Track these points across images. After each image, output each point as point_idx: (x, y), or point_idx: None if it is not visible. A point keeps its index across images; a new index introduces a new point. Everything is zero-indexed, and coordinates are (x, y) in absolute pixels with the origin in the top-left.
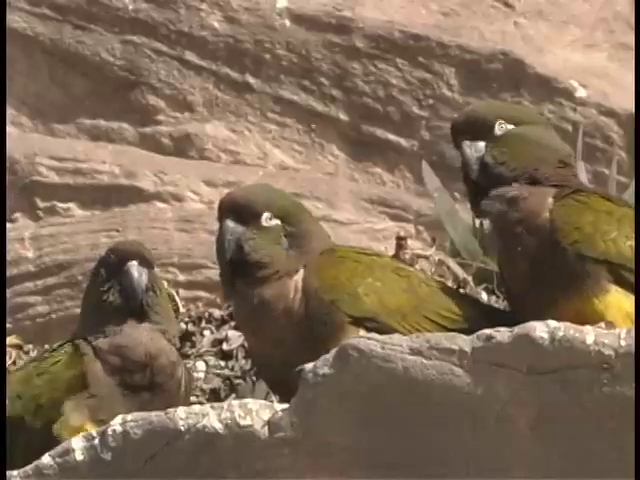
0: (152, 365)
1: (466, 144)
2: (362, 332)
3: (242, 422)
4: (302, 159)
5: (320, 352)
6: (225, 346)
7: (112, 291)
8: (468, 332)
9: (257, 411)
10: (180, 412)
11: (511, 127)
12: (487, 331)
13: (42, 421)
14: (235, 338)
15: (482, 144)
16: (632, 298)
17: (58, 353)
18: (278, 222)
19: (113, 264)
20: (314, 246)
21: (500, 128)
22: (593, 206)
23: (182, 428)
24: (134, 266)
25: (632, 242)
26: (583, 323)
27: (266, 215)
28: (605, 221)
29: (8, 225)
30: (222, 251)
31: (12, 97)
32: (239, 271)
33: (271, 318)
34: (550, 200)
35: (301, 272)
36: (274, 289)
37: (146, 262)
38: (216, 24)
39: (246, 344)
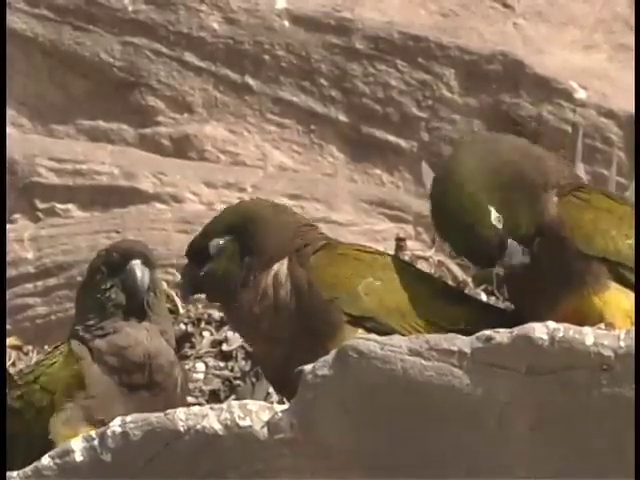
0: (151, 365)
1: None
2: (360, 331)
3: (242, 423)
4: (301, 160)
5: (318, 350)
6: (225, 347)
7: (114, 289)
8: (468, 333)
9: (257, 412)
10: (180, 413)
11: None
12: (487, 332)
13: (41, 422)
14: (234, 339)
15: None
16: (631, 296)
17: (55, 354)
18: (228, 237)
19: (115, 262)
20: (280, 241)
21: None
22: (594, 204)
23: (182, 429)
24: (138, 265)
25: (631, 240)
26: (582, 320)
27: (212, 244)
28: (605, 219)
29: (8, 226)
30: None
31: (12, 98)
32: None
33: (263, 316)
34: (555, 199)
35: (284, 265)
36: (250, 293)
37: (149, 262)
38: (215, 25)
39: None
